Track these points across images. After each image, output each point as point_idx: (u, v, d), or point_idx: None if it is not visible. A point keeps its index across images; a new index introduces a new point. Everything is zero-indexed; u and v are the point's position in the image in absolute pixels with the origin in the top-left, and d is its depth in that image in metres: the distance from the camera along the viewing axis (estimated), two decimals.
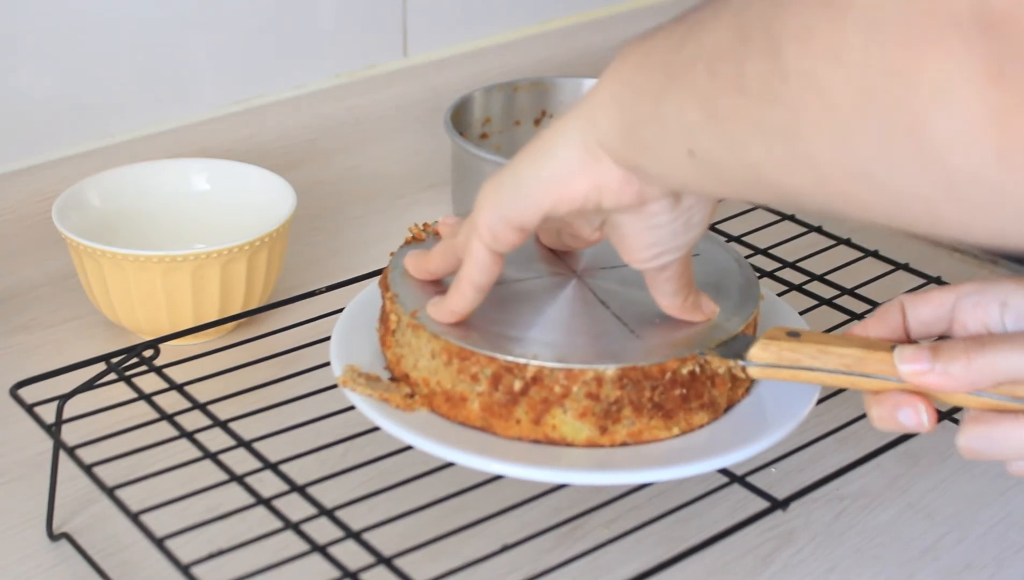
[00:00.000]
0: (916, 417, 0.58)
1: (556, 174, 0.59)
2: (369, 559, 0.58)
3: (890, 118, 0.43)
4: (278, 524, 0.60)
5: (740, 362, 0.62)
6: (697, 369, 0.62)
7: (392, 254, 0.70)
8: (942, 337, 0.61)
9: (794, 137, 0.47)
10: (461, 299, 0.63)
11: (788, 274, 0.84)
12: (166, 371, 0.69)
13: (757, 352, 0.61)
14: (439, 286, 0.67)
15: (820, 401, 0.66)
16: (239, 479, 0.62)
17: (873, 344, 0.59)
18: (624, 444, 0.62)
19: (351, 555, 0.58)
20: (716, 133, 0.51)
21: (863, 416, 0.69)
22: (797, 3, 0.46)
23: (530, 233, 0.62)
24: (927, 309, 0.61)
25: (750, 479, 0.64)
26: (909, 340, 0.61)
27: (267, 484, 0.62)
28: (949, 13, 0.40)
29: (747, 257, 0.83)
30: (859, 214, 0.48)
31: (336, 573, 0.57)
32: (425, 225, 0.72)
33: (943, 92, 0.41)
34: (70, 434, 0.66)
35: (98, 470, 0.62)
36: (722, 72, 0.50)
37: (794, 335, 0.60)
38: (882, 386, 0.58)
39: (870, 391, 0.59)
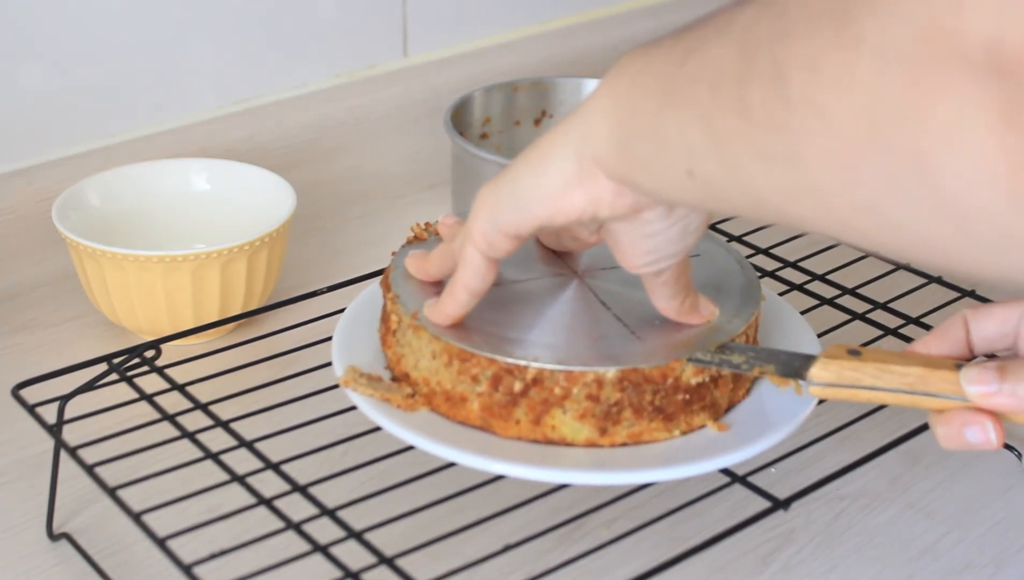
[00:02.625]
0: (984, 435, 0.57)
1: (552, 187, 0.58)
2: (371, 559, 0.58)
3: (898, 152, 0.43)
4: (279, 524, 0.60)
5: (801, 382, 0.61)
6: (707, 379, 0.62)
7: (394, 254, 0.70)
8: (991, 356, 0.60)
9: (798, 165, 0.47)
10: (455, 303, 0.63)
11: (789, 274, 0.84)
12: (167, 371, 0.69)
13: (817, 371, 0.60)
14: (440, 287, 0.67)
15: (821, 401, 0.66)
16: (240, 479, 0.62)
17: (935, 362, 0.58)
18: (624, 445, 0.62)
19: (353, 555, 0.58)
20: (717, 155, 0.50)
21: (863, 416, 0.69)
22: (804, 29, 0.45)
23: (525, 241, 0.62)
24: (991, 325, 0.60)
25: (751, 479, 0.64)
26: (972, 356, 0.60)
27: (268, 484, 0.62)
28: (960, 51, 0.40)
29: (748, 257, 0.83)
30: (863, 245, 0.48)
31: (338, 573, 0.57)
32: (427, 224, 0.72)
33: (954, 130, 0.41)
34: (71, 434, 0.66)
35: (99, 470, 0.62)
36: (724, 93, 0.49)
37: (855, 354, 0.59)
38: (946, 405, 0.57)
39: (934, 410, 0.58)
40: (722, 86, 0.49)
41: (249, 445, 0.65)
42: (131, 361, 0.70)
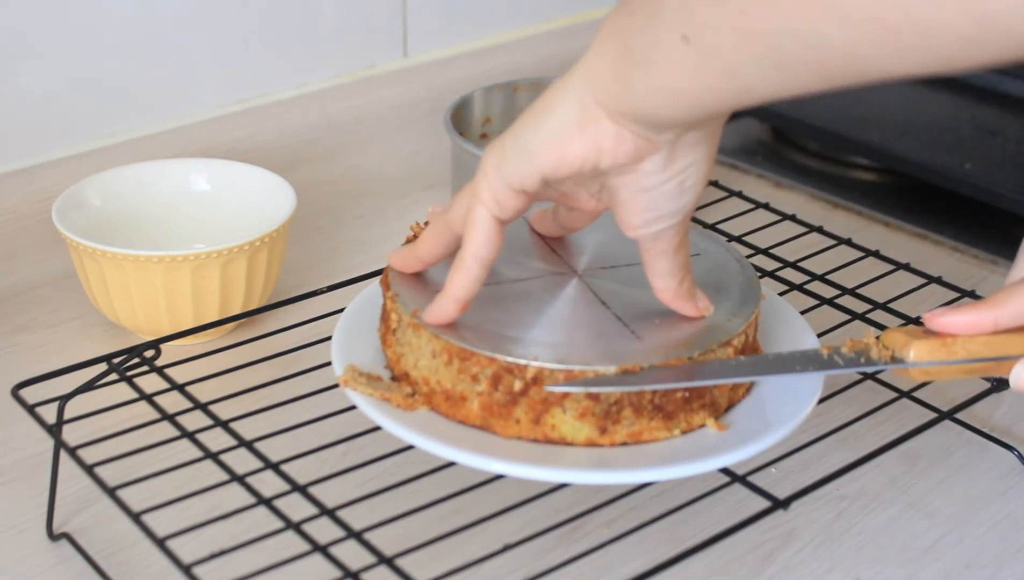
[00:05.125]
0: None
1: (555, 134, 0.59)
2: (370, 559, 0.58)
3: None
4: (279, 524, 0.60)
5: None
6: None
7: None
8: None
9: None
10: (466, 277, 0.62)
11: (789, 274, 0.84)
12: (167, 371, 0.69)
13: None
14: (438, 290, 0.66)
15: (820, 401, 0.66)
16: (240, 479, 0.62)
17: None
18: (624, 444, 0.62)
19: (352, 555, 0.58)
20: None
21: (863, 416, 0.69)
22: None
23: (531, 200, 0.62)
24: None
25: (751, 479, 0.64)
26: None
27: (268, 484, 0.62)
28: None
29: (748, 257, 0.83)
30: (851, 44, 0.49)
31: (337, 573, 0.57)
32: (427, 224, 0.72)
33: None
34: (71, 434, 0.66)
35: (99, 470, 0.62)
36: None
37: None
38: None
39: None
40: None
41: (249, 445, 0.65)
42: (131, 361, 0.70)
